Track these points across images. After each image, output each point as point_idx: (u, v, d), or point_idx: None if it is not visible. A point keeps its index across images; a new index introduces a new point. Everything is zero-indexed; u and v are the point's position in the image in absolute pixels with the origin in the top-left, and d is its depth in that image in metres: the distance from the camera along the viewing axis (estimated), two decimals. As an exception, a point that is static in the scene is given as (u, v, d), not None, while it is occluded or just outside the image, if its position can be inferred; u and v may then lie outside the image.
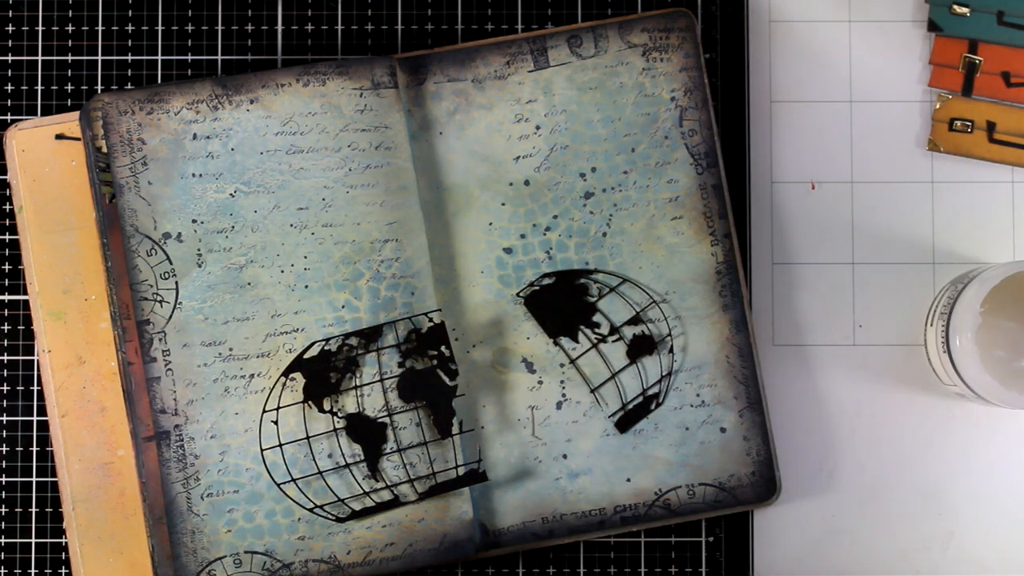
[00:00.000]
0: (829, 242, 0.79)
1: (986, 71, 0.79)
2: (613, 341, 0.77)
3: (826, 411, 0.78)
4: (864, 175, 0.79)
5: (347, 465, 0.75)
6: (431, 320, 0.75)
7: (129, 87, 0.79)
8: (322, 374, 0.75)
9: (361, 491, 0.75)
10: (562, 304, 0.77)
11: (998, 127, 0.79)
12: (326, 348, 0.75)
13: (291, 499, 0.75)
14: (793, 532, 0.78)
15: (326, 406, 0.75)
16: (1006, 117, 0.79)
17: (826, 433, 0.78)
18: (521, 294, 0.77)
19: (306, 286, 0.76)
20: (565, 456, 0.77)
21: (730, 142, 0.79)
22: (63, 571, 0.78)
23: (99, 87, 0.79)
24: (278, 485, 0.75)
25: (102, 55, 0.79)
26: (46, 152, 0.77)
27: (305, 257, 0.76)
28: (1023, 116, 0.79)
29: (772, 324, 0.79)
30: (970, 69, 0.79)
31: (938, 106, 0.79)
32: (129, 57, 0.79)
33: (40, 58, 0.79)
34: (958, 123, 0.79)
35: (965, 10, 0.78)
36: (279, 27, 0.79)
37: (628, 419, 0.77)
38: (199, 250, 0.75)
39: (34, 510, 0.77)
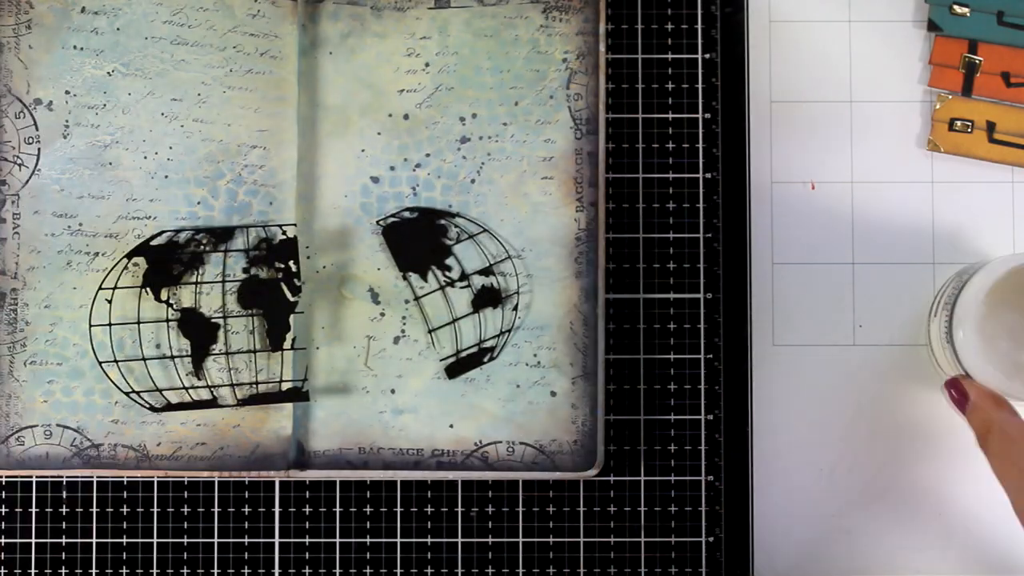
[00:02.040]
0: (829, 242, 0.79)
1: (986, 71, 0.78)
2: (461, 287, 0.77)
3: (826, 411, 0.78)
4: (864, 175, 0.79)
5: (172, 357, 0.75)
6: (284, 233, 0.76)
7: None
8: (165, 264, 0.75)
9: (181, 385, 0.75)
10: (419, 241, 0.77)
11: (998, 127, 0.78)
12: (174, 239, 0.75)
13: (111, 380, 0.75)
14: (793, 532, 0.78)
15: (163, 296, 0.75)
16: (1006, 117, 0.78)
17: (826, 433, 0.78)
18: (380, 223, 0.77)
19: (166, 176, 0.76)
20: (393, 391, 0.77)
21: (730, 142, 0.78)
22: (63, 571, 0.77)
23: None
24: (100, 364, 0.75)
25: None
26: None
27: (170, 147, 0.76)
28: (1023, 116, 0.78)
29: (772, 324, 0.78)
30: (970, 69, 0.78)
31: (938, 106, 0.79)
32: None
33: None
34: (958, 123, 0.78)
35: (965, 10, 0.78)
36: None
37: (459, 366, 0.76)
38: (67, 122, 0.76)
39: (34, 510, 0.77)
